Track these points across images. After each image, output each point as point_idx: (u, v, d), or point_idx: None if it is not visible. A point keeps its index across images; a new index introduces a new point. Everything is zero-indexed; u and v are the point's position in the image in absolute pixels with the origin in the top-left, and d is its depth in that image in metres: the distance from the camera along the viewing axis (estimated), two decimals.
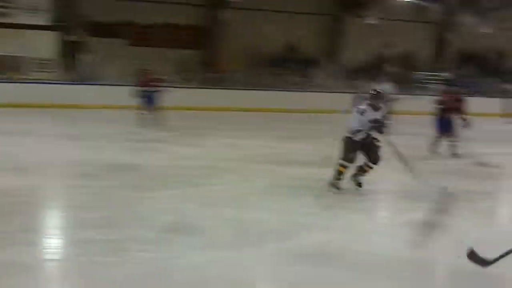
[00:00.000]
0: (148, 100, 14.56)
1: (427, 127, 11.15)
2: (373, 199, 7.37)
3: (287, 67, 23.80)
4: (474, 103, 20.20)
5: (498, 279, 4.58)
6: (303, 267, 4.71)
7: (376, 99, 7.38)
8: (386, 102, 13.07)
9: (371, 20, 25.06)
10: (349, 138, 7.26)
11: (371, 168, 7.36)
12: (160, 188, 7.50)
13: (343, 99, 21.81)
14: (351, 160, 7.28)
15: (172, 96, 14.48)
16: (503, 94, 23.51)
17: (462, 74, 25.14)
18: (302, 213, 6.42)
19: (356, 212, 6.50)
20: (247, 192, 7.45)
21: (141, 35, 23.09)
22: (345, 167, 7.29)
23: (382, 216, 6.41)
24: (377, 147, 7.33)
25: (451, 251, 5.30)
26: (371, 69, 23.69)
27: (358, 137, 7.20)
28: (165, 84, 14.87)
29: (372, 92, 7.45)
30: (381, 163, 7.31)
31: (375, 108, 7.28)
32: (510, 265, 4.80)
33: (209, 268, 4.66)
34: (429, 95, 22.92)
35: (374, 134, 7.26)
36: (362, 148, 7.30)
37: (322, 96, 21.77)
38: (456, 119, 10.79)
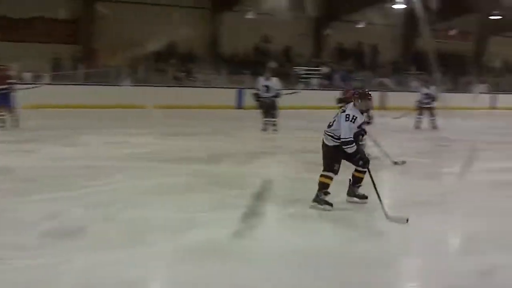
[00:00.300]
0: (4, 99, 13.14)
1: (313, 120, 11.31)
2: (255, 193, 7.21)
3: (168, 63, 23.44)
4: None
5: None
6: (195, 265, 4.57)
7: (363, 99, 6.54)
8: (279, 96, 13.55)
9: (250, 15, 25.24)
10: (334, 147, 6.45)
11: (364, 172, 6.63)
12: (40, 191, 6.98)
13: (227, 94, 22.20)
14: (337, 171, 6.48)
15: (45, 94, 13.68)
16: (379, 87, 24.58)
17: (340, 69, 26.02)
18: (192, 211, 6.26)
19: (244, 206, 6.38)
20: (135, 191, 7.16)
21: (11, 30, 21.80)
22: (331, 178, 6.47)
23: (270, 210, 6.35)
24: (362, 149, 6.82)
25: (341, 239, 5.43)
26: (253, 64, 23.90)
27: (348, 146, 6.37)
28: (27, 81, 13.90)
29: (358, 92, 6.75)
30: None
31: (362, 111, 6.53)
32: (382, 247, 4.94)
33: (97, 270, 4.41)
34: (309, 89, 23.82)
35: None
36: (346, 154, 6.51)
37: (205, 92, 21.72)
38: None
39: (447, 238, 5.75)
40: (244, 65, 24.22)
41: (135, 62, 21.91)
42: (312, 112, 20.42)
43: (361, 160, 6.42)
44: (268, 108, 13.58)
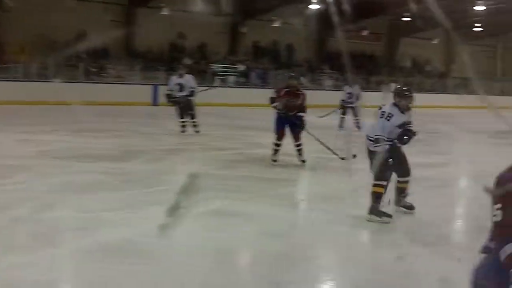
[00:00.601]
0: None
1: (229, 117, 11.26)
2: (170, 191, 7.03)
3: (80, 58, 22.74)
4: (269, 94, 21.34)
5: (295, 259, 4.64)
6: (103, 265, 4.42)
7: (401, 97, 6.01)
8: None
9: (165, 11, 24.92)
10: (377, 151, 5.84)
11: (408, 182, 6.23)
12: None
13: (142, 91, 21.82)
14: (388, 177, 5.97)
15: None
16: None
17: (257, 67, 26.16)
18: (101, 209, 6.04)
19: (157, 204, 6.23)
20: (43, 190, 6.85)
21: None
22: (382, 186, 5.91)
23: (183, 207, 6.23)
24: (404, 156, 6.17)
25: (253, 237, 5.37)
26: (168, 61, 23.63)
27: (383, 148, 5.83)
28: None
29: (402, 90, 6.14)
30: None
31: (401, 111, 5.97)
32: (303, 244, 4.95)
33: (4, 274, 4.16)
34: (226, 86, 23.84)
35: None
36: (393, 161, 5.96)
37: (119, 88, 21.27)
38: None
39: (361, 231, 5.82)
40: (159, 61, 23.90)
41: (45, 57, 21.08)
42: (228, 110, 20.46)
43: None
44: (184, 108, 12.55)
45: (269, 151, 9.22)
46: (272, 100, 9.06)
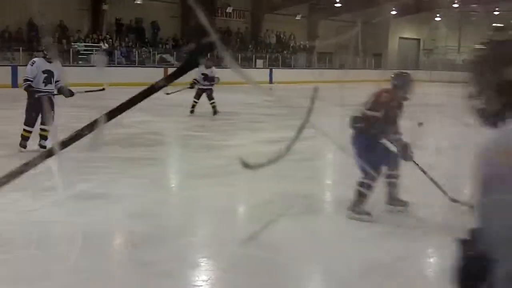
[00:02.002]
0: None
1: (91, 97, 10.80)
2: (31, 176, 6.64)
3: None
4: (134, 73, 20.91)
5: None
6: None
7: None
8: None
9: None
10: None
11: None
12: None
13: (1, 72, 20.48)
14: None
15: None
16: (161, 63, 24.52)
17: (121, 45, 25.45)
18: None
19: (18, 190, 5.84)
20: None
21: None
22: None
23: (45, 192, 5.89)
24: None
25: (120, 219, 5.23)
26: (27, 41, 22.38)
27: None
28: None
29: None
30: None
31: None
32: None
33: None
34: (88, 66, 22.98)
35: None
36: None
37: None
38: None
39: (231, 208, 5.82)
40: (17, 42, 22.56)
41: None
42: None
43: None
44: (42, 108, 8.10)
45: (131, 131, 9.06)
46: None
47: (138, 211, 5.44)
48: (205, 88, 13.60)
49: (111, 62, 24.35)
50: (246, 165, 2.41)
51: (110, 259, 4.36)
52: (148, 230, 4.87)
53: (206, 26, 2.04)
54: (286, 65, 31.48)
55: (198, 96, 13.71)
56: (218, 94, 13.98)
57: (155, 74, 21.66)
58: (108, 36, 26.03)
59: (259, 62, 29.91)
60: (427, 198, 5.84)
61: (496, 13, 39.02)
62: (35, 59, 8.68)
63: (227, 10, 31.02)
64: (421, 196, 5.80)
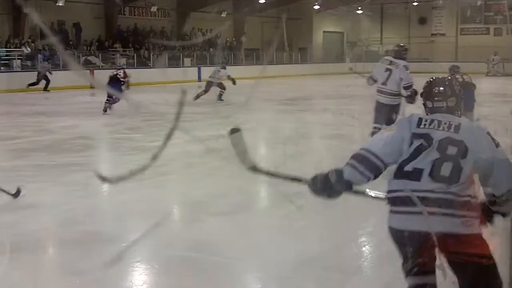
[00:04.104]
0: None
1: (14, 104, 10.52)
2: None
3: None
4: (58, 77, 20.39)
5: None
6: None
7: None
8: None
9: None
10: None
11: None
12: None
13: None
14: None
15: None
16: (86, 65, 24.00)
17: (44, 48, 24.75)
18: None
19: None
20: None
21: None
22: None
23: None
24: None
25: (51, 227, 5.15)
26: None
27: None
28: None
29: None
30: None
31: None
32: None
33: None
34: (10, 71, 22.26)
35: None
36: None
37: None
38: None
39: (163, 210, 5.80)
40: None
41: None
42: (13, 96, 19.13)
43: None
44: None
45: (58, 136, 8.90)
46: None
47: (68, 219, 5.36)
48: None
49: (33, 67, 23.68)
50: (104, 179, 2.43)
51: (41, 270, 4.26)
52: (80, 238, 4.81)
53: (42, 28, 2.02)
54: (214, 62, 31.42)
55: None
56: (143, 94, 13.88)
57: (81, 76, 21.23)
58: (30, 40, 25.23)
59: (187, 61, 29.73)
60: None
61: (415, 3, 40.28)
62: None
63: (151, 10, 30.67)
64: None
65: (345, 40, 44.29)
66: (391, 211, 2.79)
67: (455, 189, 2.68)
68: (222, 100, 16.52)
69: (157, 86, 16.61)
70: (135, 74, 15.63)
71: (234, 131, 3.00)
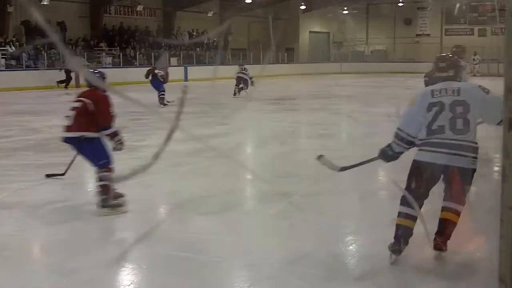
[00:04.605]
0: None
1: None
2: None
3: None
4: (43, 77, 20.30)
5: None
6: None
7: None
8: None
9: None
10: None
11: None
12: None
13: None
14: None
15: None
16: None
17: (28, 48, 24.56)
18: None
19: None
20: None
21: None
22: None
23: None
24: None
25: (39, 227, 5.09)
26: None
27: None
28: None
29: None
30: None
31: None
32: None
33: None
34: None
35: None
36: None
37: None
38: None
39: (150, 209, 5.81)
40: None
41: None
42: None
43: None
44: None
45: (44, 136, 8.85)
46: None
47: (56, 219, 5.32)
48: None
49: (18, 66, 23.54)
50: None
51: (29, 271, 4.23)
52: (67, 238, 4.79)
53: (43, 26, 1.96)
54: (201, 62, 31.39)
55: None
56: (131, 94, 13.82)
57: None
58: (15, 39, 25.05)
59: (173, 60, 29.66)
60: (340, 187, 6.07)
61: (400, 4, 40.50)
62: None
63: (137, 9, 30.57)
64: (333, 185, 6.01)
65: (331, 40, 44.44)
66: (420, 150, 4.02)
67: (469, 138, 3.91)
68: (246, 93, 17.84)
69: (142, 85, 16.58)
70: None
71: (320, 156, 4.39)
